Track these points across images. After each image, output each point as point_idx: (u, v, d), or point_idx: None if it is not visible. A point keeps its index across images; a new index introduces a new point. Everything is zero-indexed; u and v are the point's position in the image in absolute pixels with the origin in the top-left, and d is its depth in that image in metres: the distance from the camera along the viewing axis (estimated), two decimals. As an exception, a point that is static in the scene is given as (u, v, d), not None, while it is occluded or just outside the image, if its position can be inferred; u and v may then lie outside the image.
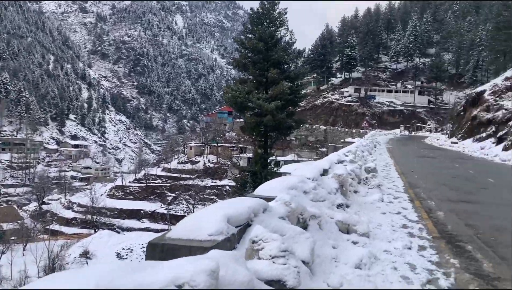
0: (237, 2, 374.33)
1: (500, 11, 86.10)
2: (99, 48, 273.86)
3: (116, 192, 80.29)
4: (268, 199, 4.62)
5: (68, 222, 66.70)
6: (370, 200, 9.10)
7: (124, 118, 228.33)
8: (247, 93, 30.90)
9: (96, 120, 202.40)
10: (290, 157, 73.82)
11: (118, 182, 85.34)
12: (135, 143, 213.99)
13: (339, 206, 6.99)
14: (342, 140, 70.72)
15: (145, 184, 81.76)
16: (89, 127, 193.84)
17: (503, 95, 53.31)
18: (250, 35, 34.07)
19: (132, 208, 73.46)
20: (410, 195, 10.97)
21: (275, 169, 29.95)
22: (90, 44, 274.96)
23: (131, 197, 79.05)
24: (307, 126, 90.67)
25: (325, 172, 8.94)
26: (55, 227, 61.84)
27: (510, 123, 44.26)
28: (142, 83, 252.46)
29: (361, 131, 77.60)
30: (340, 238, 5.26)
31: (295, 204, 4.31)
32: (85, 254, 43.24)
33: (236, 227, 3.44)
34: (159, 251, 3.09)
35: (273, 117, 29.87)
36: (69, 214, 70.08)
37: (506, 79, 56.12)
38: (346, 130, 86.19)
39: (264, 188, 5.36)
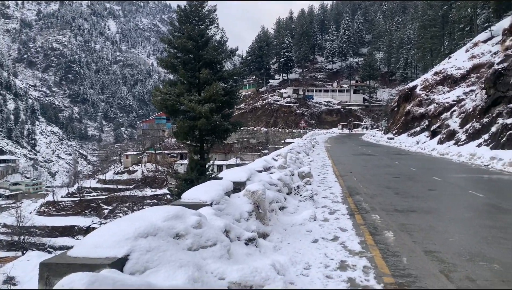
0: (171, 5, 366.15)
1: (425, 11, 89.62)
2: (25, 55, 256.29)
3: (47, 209, 74.66)
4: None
5: (-12, 246, 60.24)
6: (299, 220, 6.94)
7: (56, 129, 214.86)
8: (178, 96, 28.48)
9: (25, 132, 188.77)
10: (232, 161, 72.09)
11: (49, 197, 79.39)
12: (70, 154, 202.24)
13: (250, 241, 4.73)
14: (283, 141, 69.82)
15: (79, 198, 76.86)
16: (17, 140, 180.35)
17: (433, 90, 54.51)
18: (178, 34, 31.72)
19: (65, 225, 68.35)
20: (349, 206, 8.95)
21: (214, 174, 27.68)
22: (15, 52, 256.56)
23: (63, 213, 74.01)
24: (248, 128, 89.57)
25: (239, 187, 6.70)
26: (-28, 255, 55.40)
27: (442, 116, 44.89)
28: (75, 91, 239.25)
29: (301, 131, 77.12)
30: (232, 319, 3.00)
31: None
32: (10, 281, 38.26)
33: None
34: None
35: (208, 120, 27.56)
36: (-10, 237, 63.43)
37: (436, 74, 57.53)
38: (287, 130, 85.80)
39: (88, 242, 2.95)
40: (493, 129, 27.85)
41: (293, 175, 11.73)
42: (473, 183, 13.10)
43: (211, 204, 5.04)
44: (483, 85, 35.38)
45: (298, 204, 8.72)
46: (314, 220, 7.06)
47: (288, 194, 9.54)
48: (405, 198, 10.05)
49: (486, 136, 28.52)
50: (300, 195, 9.55)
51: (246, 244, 4.68)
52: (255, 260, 4.11)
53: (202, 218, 3.90)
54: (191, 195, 5.26)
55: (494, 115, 29.48)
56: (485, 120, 30.53)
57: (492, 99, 30.85)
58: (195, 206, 4.75)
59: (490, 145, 26.45)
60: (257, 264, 3.75)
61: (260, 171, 9.39)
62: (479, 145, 28.40)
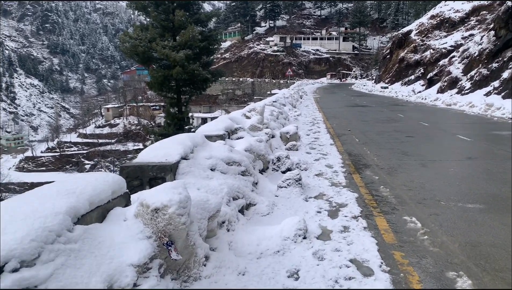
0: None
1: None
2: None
3: (26, 164, 72.16)
4: None
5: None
6: (274, 241, 3.50)
7: (36, 82, 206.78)
8: (150, 41, 24.69)
9: (3, 85, 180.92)
10: (217, 113, 69.33)
11: (28, 153, 76.80)
12: (52, 108, 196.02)
13: None
14: (269, 92, 66.22)
15: (59, 153, 74.31)
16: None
17: (429, 35, 51.00)
18: (148, -31, 27.48)
19: (45, 181, 65.51)
20: (360, 193, 5.48)
21: (193, 129, 24.67)
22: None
23: (43, 168, 71.89)
24: (234, 79, 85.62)
25: (164, 175, 3.27)
26: None
27: (439, 63, 41.47)
28: (54, 42, 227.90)
29: (288, 81, 73.25)
30: None
31: None
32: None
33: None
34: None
35: (184, 69, 24.16)
36: (-34, 194, 61.11)
37: (432, 17, 53.63)
38: (274, 81, 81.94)
39: None
40: (505, 75, 24.45)
41: (273, 137, 8.32)
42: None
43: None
44: (491, 26, 31.63)
45: (277, 192, 5.30)
46: (304, 238, 3.68)
47: (262, 171, 6.16)
48: (438, 176, 6.51)
49: (496, 84, 25.15)
50: (282, 172, 6.18)
51: None
52: None
53: None
54: None
55: (505, 59, 25.99)
56: (495, 65, 27.05)
57: (503, 41, 27.20)
58: None
59: (502, 94, 23.17)
60: None
61: (218, 137, 5.90)
62: (487, 94, 25.10)
